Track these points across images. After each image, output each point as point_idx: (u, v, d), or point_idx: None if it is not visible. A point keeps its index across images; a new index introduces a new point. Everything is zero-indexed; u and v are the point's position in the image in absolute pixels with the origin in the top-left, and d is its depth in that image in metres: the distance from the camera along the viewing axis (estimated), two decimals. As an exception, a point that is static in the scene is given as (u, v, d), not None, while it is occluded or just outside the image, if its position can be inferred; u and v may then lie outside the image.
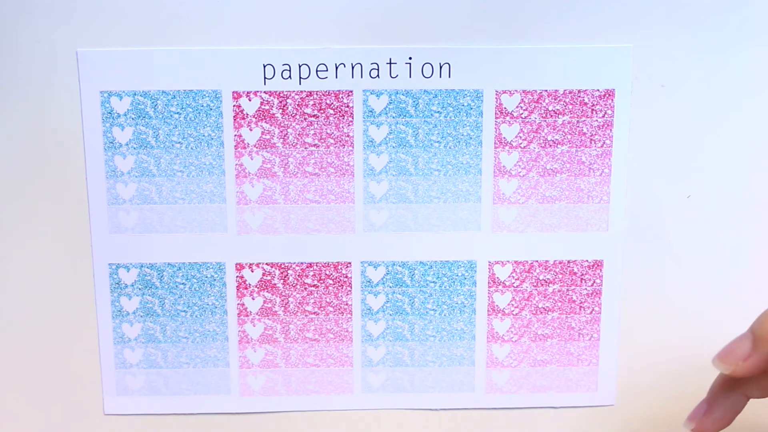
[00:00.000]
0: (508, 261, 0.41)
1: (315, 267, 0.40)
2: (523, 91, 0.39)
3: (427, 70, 0.38)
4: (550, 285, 0.41)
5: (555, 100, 0.39)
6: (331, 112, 0.39)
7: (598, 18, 0.38)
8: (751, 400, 0.32)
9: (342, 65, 0.38)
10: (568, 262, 0.41)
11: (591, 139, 0.39)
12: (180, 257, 0.40)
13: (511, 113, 0.39)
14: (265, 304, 0.41)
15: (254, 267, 0.40)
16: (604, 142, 0.40)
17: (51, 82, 0.38)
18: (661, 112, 0.40)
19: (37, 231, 0.40)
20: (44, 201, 0.40)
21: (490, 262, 0.41)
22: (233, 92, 0.39)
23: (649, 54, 0.39)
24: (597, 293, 0.41)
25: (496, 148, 0.40)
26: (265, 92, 0.39)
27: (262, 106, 0.39)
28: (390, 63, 0.38)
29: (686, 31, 0.39)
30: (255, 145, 0.39)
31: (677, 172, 0.40)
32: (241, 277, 0.40)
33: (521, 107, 0.39)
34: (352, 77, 0.38)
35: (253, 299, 0.41)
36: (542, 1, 0.38)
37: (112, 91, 0.39)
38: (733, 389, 0.31)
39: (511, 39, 0.38)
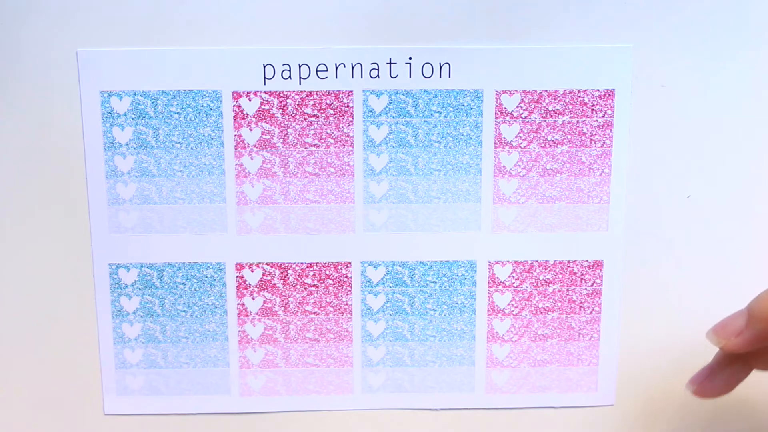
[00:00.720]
0: (508, 261, 0.41)
1: (315, 267, 0.40)
2: (523, 91, 0.39)
3: (427, 70, 0.38)
4: (550, 285, 0.41)
5: (555, 100, 0.39)
6: (331, 112, 0.39)
7: (598, 18, 0.38)
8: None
9: (342, 65, 0.38)
10: (568, 262, 0.41)
11: (591, 139, 0.39)
12: (180, 257, 0.40)
13: (511, 113, 0.39)
14: (265, 304, 0.41)
15: (254, 267, 0.40)
16: (604, 142, 0.40)
17: (51, 82, 0.38)
18: (661, 112, 0.40)
19: (37, 231, 0.40)
20: (44, 201, 0.40)
21: (490, 262, 0.41)
22: (233, 92, 0.39)
23: (649, 54, 0.39)
24: (597, 293, 0.41)
25: (496, 148, 0.40)
26: (265, 92, 0.39)
27: (262, 106, 0.39)
28: (390, 63, 0.38)
29: (686, 31, 0.39)
30: (255, 145, 0.39)
31: (677, 172, 0.40)
32: (241, 277, 0.40)
33: (521, 107, 0.39)
34: (352, 77, 0.38)
35: (253, 299, 0.41)
36: (542, 1, 0.38)
37: (112, 91, 0.39)
38: (737, 358, 0.31)
39: (511, 39, 0.38)
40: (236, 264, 0.40)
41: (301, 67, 0.38)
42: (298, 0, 0.38)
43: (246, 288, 0.41)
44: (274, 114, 0.39)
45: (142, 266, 0.40)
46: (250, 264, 0.40)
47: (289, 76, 0.38)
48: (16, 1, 0.38)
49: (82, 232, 0.40)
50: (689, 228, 0.41)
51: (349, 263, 0.41)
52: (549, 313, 0.41)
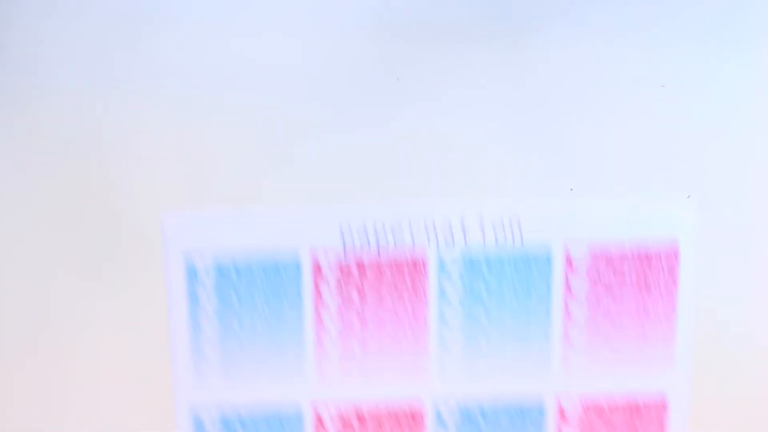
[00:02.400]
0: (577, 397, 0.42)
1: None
2: (590, 243, 0.40)
3: (498, 226, 0.40)
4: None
5: (621, 251, 0.40)
6: (407, 270, 0.40)
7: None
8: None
9: (416, 225, 0.40)
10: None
11: (656, 291, 0.41)
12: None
13: (578, 265, 0.40)
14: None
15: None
16: (668, 291, 0.41)
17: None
18: (661, 112, 0.40)
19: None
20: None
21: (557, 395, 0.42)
22: (311, 251, 0.40)
23: (649, 54, 0.39)
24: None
25: (565, 297, 0.41)
26: (342, 251, 0.40)
27: (341, 266, 0.40)
28: (462, 221, 0.40)
29: (686, 31, 0.39)
30: (334, 305, 0.41)
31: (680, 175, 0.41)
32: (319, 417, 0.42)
33: (588, 259, 0.40)
34: (428, 238, 0.40)
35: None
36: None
37: (195, 252, 0.40)
38: None
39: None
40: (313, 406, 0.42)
41: (377, 226, 0.40)
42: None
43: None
44: (351, 273, 0.40)
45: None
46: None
47: (366, 236, 0.40)
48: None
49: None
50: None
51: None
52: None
